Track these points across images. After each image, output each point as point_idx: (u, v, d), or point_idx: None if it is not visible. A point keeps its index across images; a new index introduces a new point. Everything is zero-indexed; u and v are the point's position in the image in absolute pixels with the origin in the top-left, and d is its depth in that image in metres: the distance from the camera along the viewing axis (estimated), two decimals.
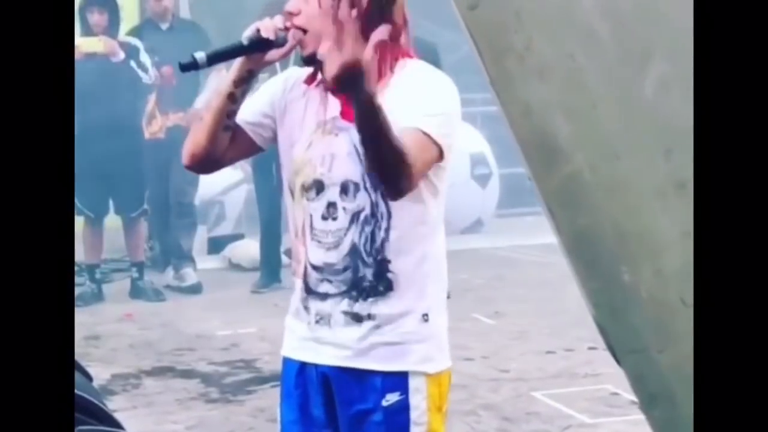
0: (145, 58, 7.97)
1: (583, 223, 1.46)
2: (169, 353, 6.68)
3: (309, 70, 2.76)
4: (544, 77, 1.40)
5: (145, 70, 7.91)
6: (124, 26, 8.40)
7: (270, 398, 5.33)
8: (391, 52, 2.66)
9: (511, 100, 1.45)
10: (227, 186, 10.09)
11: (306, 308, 2.74)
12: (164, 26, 8.62)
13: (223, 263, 9.43)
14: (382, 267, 2.65)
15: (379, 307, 2.66)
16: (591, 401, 5.60)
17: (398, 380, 2.68)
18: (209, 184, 9.35)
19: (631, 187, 1.43)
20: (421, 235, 2.68)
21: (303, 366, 2.77)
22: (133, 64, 7.83)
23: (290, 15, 2.69)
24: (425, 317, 2.68)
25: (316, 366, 2.74)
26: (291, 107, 2.77)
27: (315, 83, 2.74)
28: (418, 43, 7.15)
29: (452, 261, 8.47)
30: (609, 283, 1.47)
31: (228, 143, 2.77)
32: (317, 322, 2.71)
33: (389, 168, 2.49)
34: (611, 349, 1.51)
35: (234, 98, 2.72)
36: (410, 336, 2.67)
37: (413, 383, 2.68)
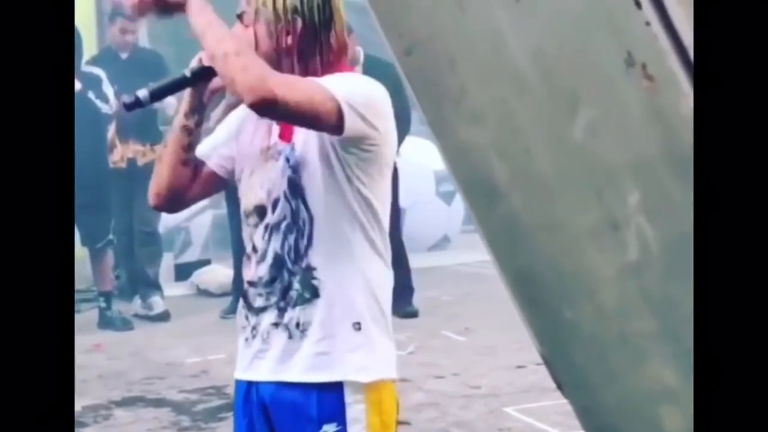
0: (107, 88, 7.95)
1: (523, 263, 1.48)
2: (139, 382, 6.65)
3: None
4: (478, 121, 1.42)
5: (105, 100, 7.89)
6: (83, 55, 8.36)
7: None
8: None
9: (449, 142, 1.47)
10: (192, 212, 10.07)
11: (246, 325, 2.76)
12: (124, 55, 8.60)
13: (190, 290, 9.41)
14: (307, 274, 2.66)
15: (307, 315, 2.66)
16: (563, 415, 5.60)
17: (334, 408, 2.65)
18: None
19: (566, 227, 1.45)
20: (347, 240, 2.66)
21: (248, 390, 2.78)
22: (91, 94, 7.81)
23: None
24: (356, 326, 2.66)
25: (257, 390, 2.75)
26: (243, 137, 2.80)
27: None
28: (376, 62, 7.19)
29: (420, 278, 8.41)
30: (551, 320, 1.49)
31: (191, 178, 2.79)
32: (254, 336, 2.73)
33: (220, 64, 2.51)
34: (557, 382, 1.53)
35: (189, 131, 2.74)
36: (342, 345, 2.65)
37: (351, 413, 2.66)
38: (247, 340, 2.76)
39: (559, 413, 5.61)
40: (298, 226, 2.65)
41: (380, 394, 2.70)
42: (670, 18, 1.34)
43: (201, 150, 2.81)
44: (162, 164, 2.78)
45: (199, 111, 2.74)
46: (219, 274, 9.11)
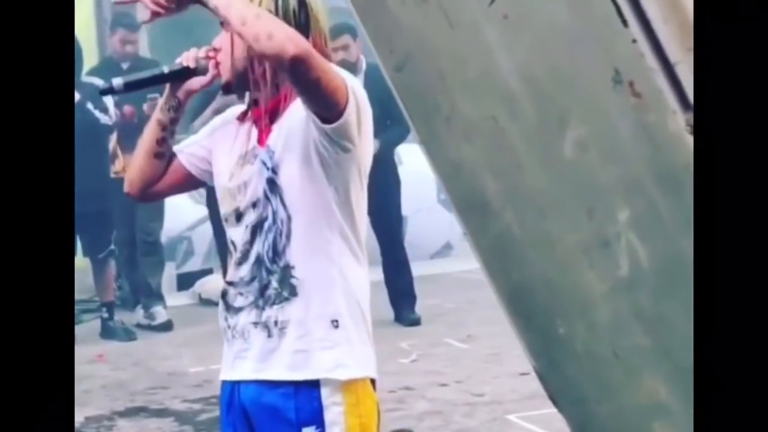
0: (107, 98, 7.95)
1: (516, 278, 1.47)
2: (142, 393, 6.65)
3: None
4: (470, 138, 1.42)
5: (104, 110, 7.89)
6: (83, 65, 8.37)
7: None
8: None
9: (441, 160, 1.47)
10: (194, 222, 10.08)
11: (226, 326, 2.77)
12: (125, 65, 8.61)
13: (193, 299, 9.40)
14: (285, 273, 2.68)
15: (285, 313, 2.67)
16: (565, 422, 5.59)
17: (313, 412, 2.65)
18: (176, 220, 9.32)
19: (558, 243, 1.44)
20: (325, 240, 2.68)
21: (232, 392, 2.78)
22: (90, 105, 7.80)
23: (215, 51, 2.77)
24: (335, 323, 2.68)
25: (239, 393, 2.75)
26: (222, 141, 2.85)
27: (245, 119, 2.80)
28: (372, 68, 7.18)
29: (423, 286, 8.38)
30: (545, 336, 1.48)
31: (163, 172, 2.87)
32: (234, 336, 2.75)
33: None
34: (552, 398, 1.53)
35: (162, 125, 2.82)
36: (319, 343, 2.66)
37: (328, 416, 2.66)
38: (229, 340, 2.77)
39: (562, 420, 5.58)
40: (277, 225, 2.68)
41: (357, 396, 2.70)
42: (657, 36, 1.34)
43: (178, 146, 2.89)
44: (137, 153, 2.87)
45: (174, 108, 2.82)
46: (221, 283, 9.09)
